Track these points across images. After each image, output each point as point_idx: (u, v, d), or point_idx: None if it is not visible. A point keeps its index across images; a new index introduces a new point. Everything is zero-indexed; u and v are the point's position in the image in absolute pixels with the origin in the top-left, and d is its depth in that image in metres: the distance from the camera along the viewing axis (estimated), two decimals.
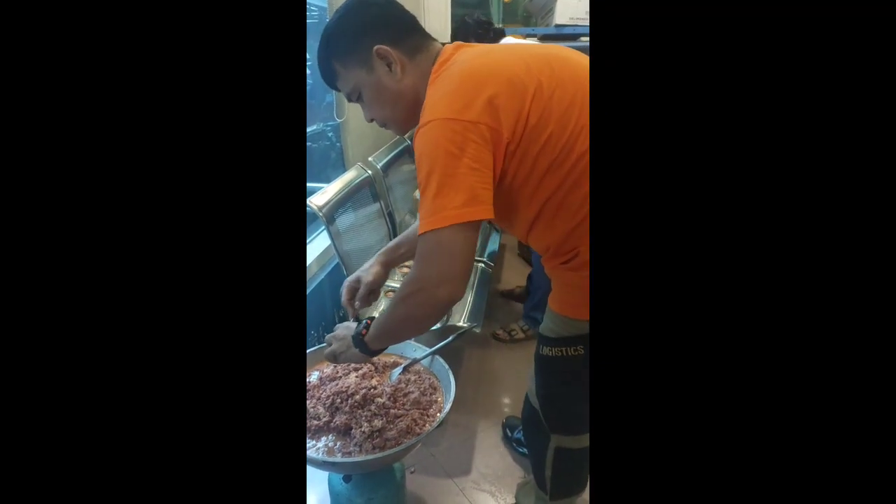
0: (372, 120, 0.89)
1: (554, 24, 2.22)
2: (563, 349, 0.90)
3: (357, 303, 0.97)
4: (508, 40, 1.89)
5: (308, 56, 2.37)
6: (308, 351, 1.12)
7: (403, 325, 0.80)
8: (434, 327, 1.48)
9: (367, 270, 0.99)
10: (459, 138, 0.70)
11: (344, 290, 1.00)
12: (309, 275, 1.66)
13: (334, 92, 1.89)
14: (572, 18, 2.20)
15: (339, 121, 1.89)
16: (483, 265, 1.88)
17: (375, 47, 0.80)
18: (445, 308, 0.74)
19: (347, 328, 0.90)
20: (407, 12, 0.85)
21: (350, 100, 0.88)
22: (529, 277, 2.10)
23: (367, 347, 0.86)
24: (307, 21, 2.10)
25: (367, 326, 0.86)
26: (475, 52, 0.80)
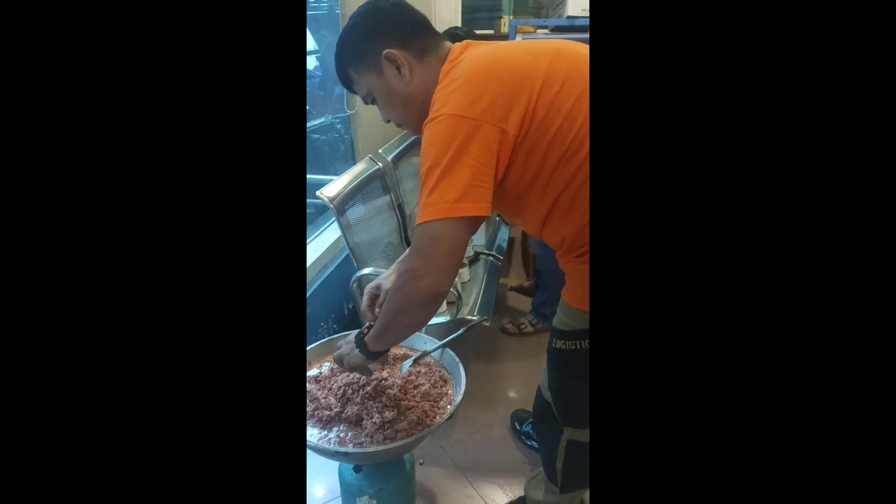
0: (388, 121, 0.91)
1: (566, 15, 2.20)
2: (577, 342, 0.90)
3: (377, 309, 0.97)
4: None
5: (318, 48, 2.37)
6: (320, 342, 1.12)
7: (395, 318, 0.80)
8: (443, 320, 1.48)
9: (386, 278, 1.00)
10: (463, 135, 0.71)
11: (365, 297, 1.00)
12: (319, 266, 1.66)
13: None
14: (584, 10, 2.17)
15: (349, 112, 1.89)
16: (492, 259, 1.88)
17: (384, 51, 0.81)
18: (430, 300, 0.74)
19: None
20: (416, 14, 0.85)
21: (366, 102, 0.90)
22: (537, 273, 2.10)
23: (366, 348, 0.87)
24: (317, 13, 2.10)
25: (371, 327, 0.87)
26: (484, 49, 0.81)
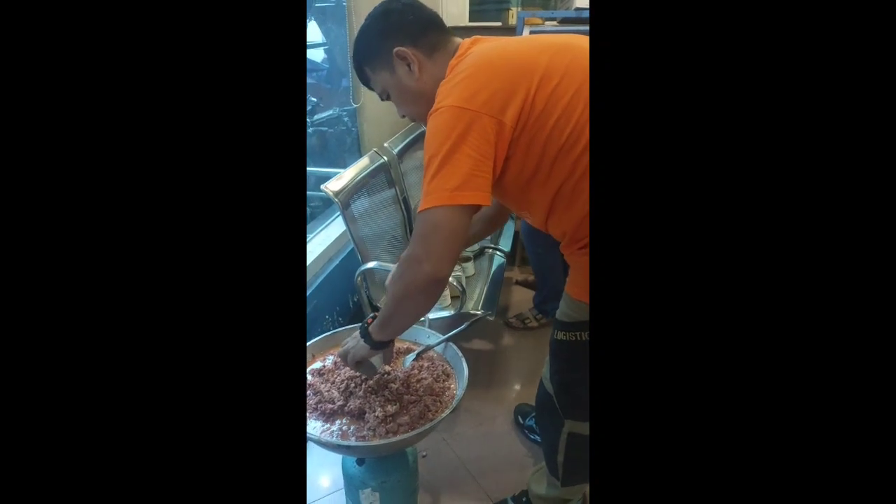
0: (404, 115, 0.95)
1: (574, 6, 2.17)
2: (577, 334, 0.91)
3: None
4: None
5: (325, 40, 2.36)
6: (324, 335, 1.13)
7: (397, 305, 0.82)
8: (447, 314, 1.48)
9: None
10: (462, 126, 0.74)
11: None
12: (324, 259, 1.67)
13: (351, 76, 1.89)
14: None
15: (355, 106, 1.89)
16: (498, 253, 1.88)
17: (395, 49, 0.85)
18: (431, 286, 0.75)
19: None
20: (427, 12, 0.89)
21: (382, 99, 0.94)
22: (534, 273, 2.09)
23: (370, 337, 0.89)
24: (325, 5, 2.09)
25: (375, 317, 0.89)
26: (490, 44, 0.84)
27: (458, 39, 0.89)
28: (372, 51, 0.89)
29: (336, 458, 1.12)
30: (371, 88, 0.94)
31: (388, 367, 1.06)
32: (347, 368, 1.05)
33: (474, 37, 0.87)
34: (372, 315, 0.91)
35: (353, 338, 0.94)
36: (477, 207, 0.76)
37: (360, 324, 0.95)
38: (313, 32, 2.60)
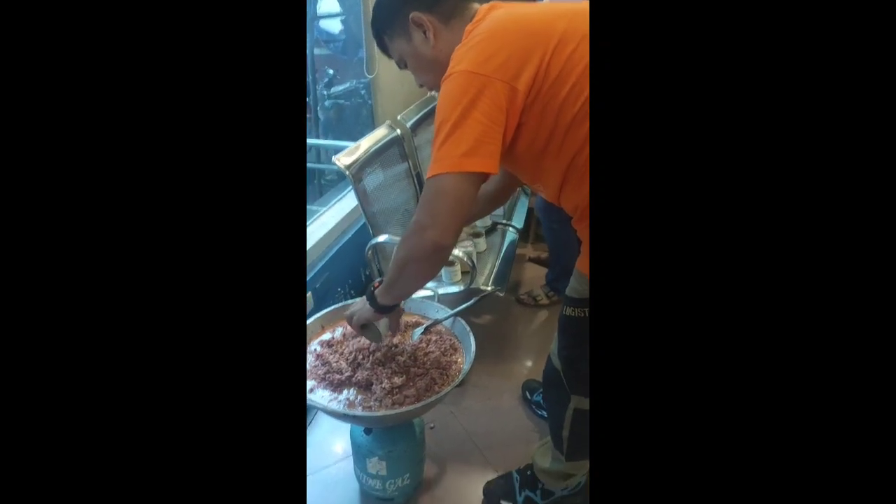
0: (422, 85, 0.94)
1: None
2: (586, 310, 0.91)
3: None
4: None
5: (341, 10, 2.33)
6: (333, 307, 1.15)
7: (401, 270, 0.83)
8: (457, 289, 1.49)
9: None
10: (474, 91, 0.73)
11: None
12: (336, 234, 1.68)
13: (365, 47, 1.87)
14: None
15: (369, 77, 1.87)
16: (510, 229, 1.87)
17: (411, 15, 0.84)
18: (435, 253, 0.76)
19: None
20: None
21: (400, 67, 0.94)
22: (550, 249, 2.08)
23: (375, 301, 0.90)
24: None
25: (382, 281, 0.91)
26: (507, 10, 0.83)
27: (476, 5, 0.87)
28: (389, 18, 0.88)
29: (345, 428, 1.14)
30: (390, 57, 0.94)
31: (395, 340, 1.07)
32: (356, 340, 1.06)
33: (492, 2, 0.86)
34: (379, 279, 0.92)
35: (360, 300, 0.96)
36: (485, 175, 0.75)
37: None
38: (330, 2, 2.56)
